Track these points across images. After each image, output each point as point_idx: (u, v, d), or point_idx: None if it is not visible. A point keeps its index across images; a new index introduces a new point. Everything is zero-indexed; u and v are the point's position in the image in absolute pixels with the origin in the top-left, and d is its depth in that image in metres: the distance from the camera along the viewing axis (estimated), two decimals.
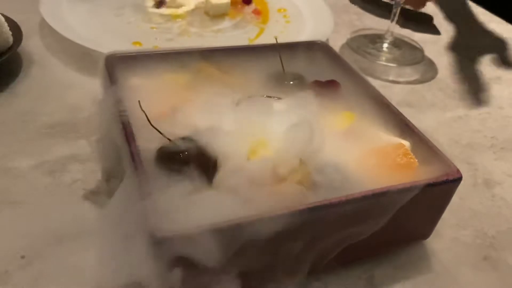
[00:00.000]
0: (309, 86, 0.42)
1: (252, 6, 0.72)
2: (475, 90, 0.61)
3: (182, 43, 0.60)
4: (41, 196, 0.37)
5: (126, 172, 0.30)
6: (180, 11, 0.68)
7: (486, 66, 0.67)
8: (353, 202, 0.29)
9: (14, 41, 0.50)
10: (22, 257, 0.32)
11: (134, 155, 0.30)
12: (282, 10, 0.73)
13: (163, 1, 0.68)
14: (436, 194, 0.33)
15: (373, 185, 0.30)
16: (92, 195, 0.37)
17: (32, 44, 0.56)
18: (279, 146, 0.33)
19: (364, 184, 0.31)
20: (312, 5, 0.73)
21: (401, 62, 0.65)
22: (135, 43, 0.59)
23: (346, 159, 0.34)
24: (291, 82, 0.42)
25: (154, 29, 0.63)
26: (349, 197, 0.29)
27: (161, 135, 0.32)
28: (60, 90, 0.50)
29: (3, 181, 0.38)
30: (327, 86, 0.42)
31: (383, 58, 0.65)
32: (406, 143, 0.36)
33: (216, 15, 0.68)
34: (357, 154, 0.35)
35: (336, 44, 0.67)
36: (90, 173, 0.39)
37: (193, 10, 0.68)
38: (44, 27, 0.59)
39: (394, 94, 0.57)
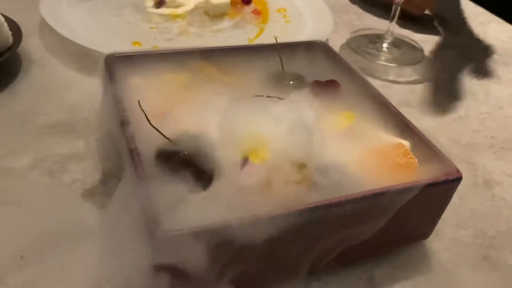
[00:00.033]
0: (309, 86, 0.42)
1: (252, 6, 0.72)
2: (475, 90, 0.61)
3: (182, 43, 0.60)
4: (40, 196, 0.37)
5: (125, 172, 0.30)
6: (179, 11, 0.68)
7: (486, 66, 0.67)
8: (353, 202, 0.29)
9: (13, 41, 0.50)
10: (22, 257, 0.32)
11: (133, 155, 0.30)
12: (281, 10, 0.73)
13: (162, 1, 0.68)
14: (436, 194, 0.33)
15: (373, 185, 0.30)
16: (92, 195, 0.37)
17: (31, 44, 0.56)
18: (279, 147, 0.33)
19: (364, 184, 0.31)
20: (312, 5, 0.73)
21: (401, 62, 0.65)
22: (134, 43, 0.59)
23: (346, 159, 0.34)
24: (291, 82, 0.42)
25: (154, 29, 0.63)
26: (349, 197, 0.29)
27: (160, 135, 0.32)
28: (59, 90, 0.50)
29: (2, 181, 0.38)
30: (327, 86, 0.42)
31: (383, 58, 0.65)
32: (406, 143, 0.36)
33: (215, 15, 0.68)
34: (357, 154, 0.35)
35: (336, 44, 0.67)
36: (90, 173, 0.39)
37: (192, 10, 0.68)
38: (44, 27, 0.59)
39: (394, 94, 0.57)
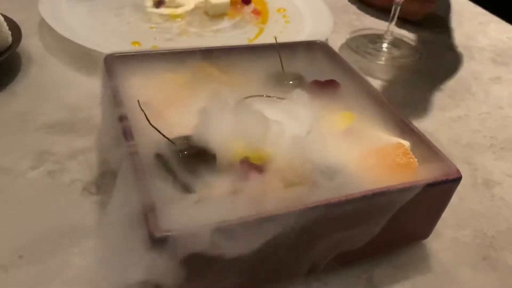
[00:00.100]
0: (309, 86, 0.42)
1: (252, 6, 0.72)
2: (474, 90, 0.61)
3: (182, 43, 0.60)
4: (39, 196, 0.37)
5: (124, 171, 0.30)
6: (179, 11, 0.68)
7: (486, 66, 0.67)
8: (353, 202, 0.29)
9: (13, 41, 0.50)
10: (20, 256, 0.32)
11: (133, 155, 0.30)
12: (281, 10, 0.73)
13: (162, 1, 0.68)
14: (436, 194, 0.33)
15: (373, 185, 0.30)
16: (91, 195, 0.37)
17: (31, 44, 0.56)
18: (279, 147, 0.33)
19: (364, 184, 0.31)
20: (311, 5, 0.73)
21: (401, 62, 0.65)
22: (134, 43, 0.59)
23: (346, 159, 0.34)
24: (291, 82, 0.42)
25: (154, 29, 0.63)
26: (349, 197, 0.29)
27: (160, 134, 0.32)
28: (59, 90, 0.49)
29: (2, 181, 0.38)
30: (326, 86, 0.41)
31: (383, 58, 0.65)
32: (406, 143, 0.35)
33: (215, 15, 0.68)
34: (356, 154, 0.35)
35: (336, 44, 0.67)
36: (89, 173, 0.39)
37: (192, 10, 0.68)
38: (44, 26, 0.59)
39: (394, 94, 0.57)
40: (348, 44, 0.68)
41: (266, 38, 0.63)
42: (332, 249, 0.30)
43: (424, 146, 0.35)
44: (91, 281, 0.31)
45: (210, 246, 0.26)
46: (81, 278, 0.31)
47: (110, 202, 0.29)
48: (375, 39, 0.68)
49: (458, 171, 0.33)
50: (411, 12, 0.72)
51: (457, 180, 0.33)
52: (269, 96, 0.39)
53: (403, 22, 0.73)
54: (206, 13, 0.68)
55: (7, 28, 0.49)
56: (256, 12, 0.71)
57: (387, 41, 0.67)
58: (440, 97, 0.58)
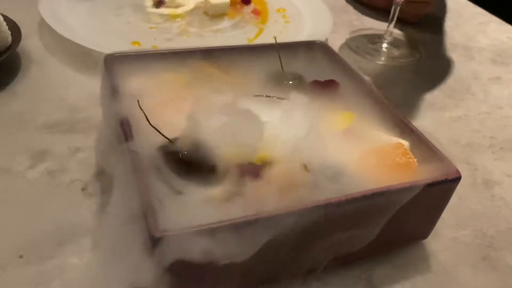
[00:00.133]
0: (308, 86, 0.42)
1: (251, 6, 0.72)
2: (474, 90, 0.61)
3: (181, 43, 0.60)
4: (39, 195, 0.37)
5: (124, 172, 0.30)
6: (179, 11, 0.68)
7: (486, 66, 0.67)
8: (353, 202, 0.29)
9: (13, 41, 0.50)
10: (20, 256, 0.32)
11: (133, 155, 0.30)
12: (281, 10, 0.73)
13: (162, 1, 0.68)
14: (435, 193, 0.33)
15: (372, 185, 0.30)
16: (91, 195, 0.37)
17: (31, 44, 0.56)
18: (278, 147, 0.33)
19: (364, 184, 0.31)
20: (311, 5, 0.73)
21: (400, 62, 0.65)
22: (134, 43, 0.59)
23: (346, 159, 0.34)
24: (290, 82, 0.42)
25: (153, 29, 0.63)
26: (349, 197, 0.29)
27: (160, 134, 0.32)
28: (59, 89, 0.49)
29: (2, 181, 0.38)
30: (326, 86, 0.42)
31: (382, 58, 0.65)
32: (405, 143, 0.36)
33: (215, 15, 0.68)
34: (356, 154, 0.35)
35: (335, 44, 0.67)
36: (89, 173, 0.39)
37: (192, 10, 0.68)
38: (43, 26, 0.59)
39: (393, 94, 0.57)
40: (347, 44, 0.68)
41: (266, 38, 0.63)
42: (332, 250, 0.30)
43: (423, 146, 0.35)
44: (91, 281, 0.31)
45: (210, 246, 0.26)
46: (81, 278, 0.31)
47: (110, 202, 0.29)
48: (375, 39, 0.68)
49: (457, 171, 0.33)
50: (409, 13, 0.72)
51: (456, 180, 0.33)
52: (269, 96, 0.39)
53: (401, 23, 0.73)
54: (206, 13, 0.68)
55: (7, 28, 0.49)
56: (256, 12, 0.71)
57: (386, 41, 0.67)
58: (440, 97, 0.58)
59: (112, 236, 0.28)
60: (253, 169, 0.31)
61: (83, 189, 0.38)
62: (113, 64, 0.38)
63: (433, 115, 0.55)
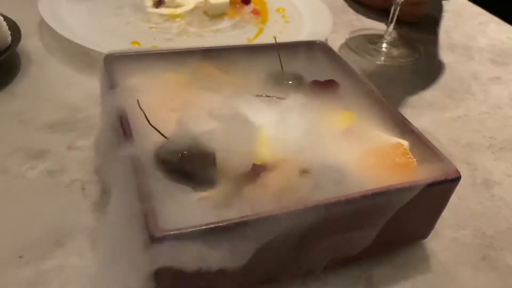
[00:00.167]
0: (308, 86, 0.42)
1: (251, 6, 0.72)
2: (474, 90, 0.61)
3: (181, 43, 0.60)
4: (39, 195, 0.37)
5: (124, 172, 0.30)
6: (179, 11, 0.68)
7: (486, 66, 0.67)
8: (353, 202, 0.29)
9: (12, 41, 0.50)
10: (20, 256, 0.32)
11: (133, 155, 0.30)
12: (281, 10, 0.73)
13: (162, 1, 0.68)
14: (435, 193, 0.33)
15: (372, 185, 0.30)
16: (91, 195, 0.37)
17: (30, 44, 0.56)
18: (278, 147, 0.33)
19: (363, 184, 0.31)
20: (311, 5, 0.73)
21: (400, 62, 0.65)
22: (134, 42, 0.59)
23: (345, 159, 0.34)
24: (290, 82, 0.42)
25: (153, 29, 0.63)
26: (349, 197, 0.29)
27: (160, 134, 0.32)
28: (58, 89, 0.49)
29: (2, 181, 0.38)
30: (326, 86, 0.41)
31: (382, 58, 0.65)
32: (405, 143, 0.35)
33: (215, 15, 0.68)
34: (356, 154, 0.35)
35: (335, 44, 0.67)
36: (89, 173, 0.39)
37: (192, 10, 0.68)
38: (43, 26, 0.59)
39: (393, 94, 0.57)
40: (347, 44, 0.68)
41: (265, 38, 0.63)
42: (332, 250, 0.30)
43: (423, 146, 0.35)
44: (91, 281, 0.31)
45: (210, 246, 0.26)
46: (81, 278, 0.31)
47: (110, 202, 0.29)
48: (375, 39, 0.68)
49: (457, 171, 0.33)
50: (406, 13, 0.72)
51: (456, 180, 0.33)
52: (269, 96, 0.39)
53: (400, 23, 0.73)
54: (205, 13, 0.68)
55: (7, 28, 0.49)
56: (255, 12, 0.71)
57: (386, 41, 0.67)
58: (440, 97, 0.58)
59: (112, 236, 0.28)
60: (253, 170, 0.31)
61: (83, 189, 0.38)
62: (113, 64, 0.38)
63: (433, 115, 0.55)
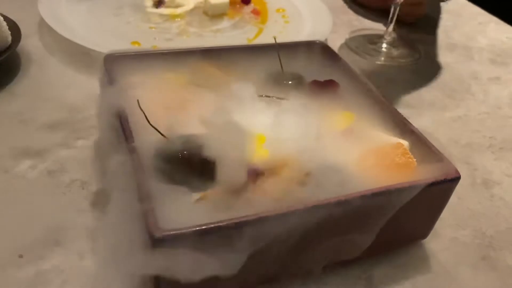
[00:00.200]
0: (308, 86, 0.42)
1: (251, 6, 0.72)
2: (474, 90, 0.61)
3: (181, 43, 0.60)
4: (39, 195, 0.37)
5: (124, 172, 0.30)
6: (179, 11, 0.68)
7: (485, 66, 0.67)
8: (353, 202, 0.29)
9: (12, 41, 0.50)
10: (20, 256, 0.32)
11: (133, 155, 0.30)
12: (281, 10, 0.73)
13: (162, 1, 0.68)
14: (435, 193, 0.33)
15: (372, 184, 0.30)
16: (91, 195, 0.37)
17: (30, 44, 0.56)
18: (278, 147, 0.33)
19: (363, 184, 0.31)
20: (311, 5, 0.73)
21: (400, 62, 0.65)
22: (133, 43, 0.59)
23: (345, 159, 0.34)
24: (290, 82, 0.42)
25: (153, 29, 0.63)
26: (349, 197, 0.29)
27: (160, 134, 0.32)
28: (58, 89, 0.49)
29: (1, 181, 0.38)
30: (326, 86, 0.42)
31: (382, 58, 0.65)
32: (405, 143, 0.36)
33: (215, 15, 0.68)
34: (356, 154, 0.35)
35: (335, 44, 0.67)
36: (89, 173, 0.39)
37: (192, 10, 0.68)
38: (43, 26, 0.59)
39: (393, 94, 0.57)
40: (347, 44, 0.68)
41: (265, 38, 0.63)
42: (332, 250, 0.30)
43: (423, 146, 0.35)
44: (91, 281, 0.31)
45: (210, 246, 0.26)
46: (81, 278, 0.31)
47: (110, 202, 0.29)
48: (374, 39, 0.68)
49: (457, 171, 0.33)
50: (403, 14, 0.72)
51: (456, 180, 0.33)
52: (269, 96, 0.39)
53: (400, 23, 0.73)
54: (205, 13, 0.68)
55: (7, 28, 0.49)
56: (255, 12, 0.71)
57: (386, 41, 0.67)
58: (440, 97, 0.58)
59: (112, 236, 0.28)
60: (252, 170, 0.31)
61: (83, 189, 0.38)
62: (113, 64, 0.38)
63: (433, 115, 0.55)
